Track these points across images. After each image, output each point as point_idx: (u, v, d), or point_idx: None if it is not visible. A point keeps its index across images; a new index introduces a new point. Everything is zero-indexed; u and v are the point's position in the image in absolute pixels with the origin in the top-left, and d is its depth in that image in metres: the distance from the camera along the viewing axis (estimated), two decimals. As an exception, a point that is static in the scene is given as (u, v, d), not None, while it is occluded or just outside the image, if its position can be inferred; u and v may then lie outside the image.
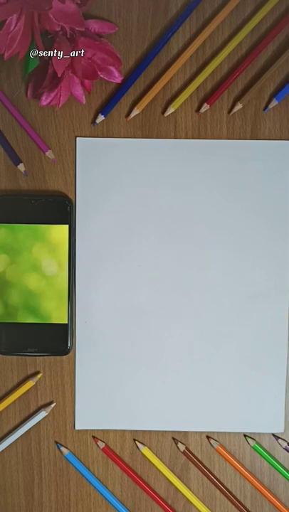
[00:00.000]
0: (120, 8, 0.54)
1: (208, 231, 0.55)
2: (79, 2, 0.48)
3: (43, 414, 0.55)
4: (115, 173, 0.54)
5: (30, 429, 0.55)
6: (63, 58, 0.48)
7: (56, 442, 0.56)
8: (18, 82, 0.54)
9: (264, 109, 0.54)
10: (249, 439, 0.56)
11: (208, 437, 0.56)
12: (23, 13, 0.47)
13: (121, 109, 0.54)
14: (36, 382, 0.55)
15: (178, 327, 0.55)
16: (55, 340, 0.54)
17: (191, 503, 0.56)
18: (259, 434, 0.56)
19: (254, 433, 0.56)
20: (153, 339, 0.55)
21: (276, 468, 0.56)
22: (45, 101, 0.51)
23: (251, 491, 0.56)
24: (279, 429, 0.55)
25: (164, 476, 0.56)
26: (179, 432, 0.56)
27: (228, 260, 0.55)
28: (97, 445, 0.56)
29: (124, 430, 0.56)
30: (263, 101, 0.54)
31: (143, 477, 0.56)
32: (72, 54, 0.49)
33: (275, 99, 0.54)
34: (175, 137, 0.54)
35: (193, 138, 0.54)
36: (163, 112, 0.54)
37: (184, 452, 0.56)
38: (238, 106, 0.54)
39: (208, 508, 0.56)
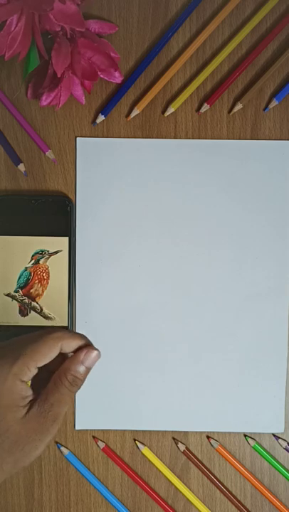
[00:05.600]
0: (120, 8, 0.54)
1: (208, 231, 0.55)
2: (79, 3, 0.48)
3: (43, 414, 0.55)
4: (115, 173, 0.54)
5: (30, 429, 0.55)
6: (63, 59, 0.48)
7: (56, 442, 0.56)
8: (18, 82, 0.54)
9: (264, 109, 0.54)
10: (249, 439, 0.56)
11: (208, 437, 0.56)
12: (24, 13, 0.47)
13: (121, 109, 0.55)
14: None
15: (178, 327, 0.55)
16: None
17: (191, 503, 0.56)
18: (259, 434, 0.56)
19: (254, 433, 0.56)
20: (153, 339, 0.55)
21: (276, 468, 0.56)
22: (45, 101, 0.51)
23: (251, 491, 0.56)
24: (279, 429, 0.55)
25: (164, 476, 0.56)
26: (179, 432, 0.56)
27: (228, 260, 0.55)
28: (97, 445, 0.56)
29: (124, 430, 0.56)
30: (263, 101, 0.54)
31: (143, 477, 0.56)
32: (72, 54, 0.49)
33: (275, 99, 0.54)
34: (175, 137, 0.54)
35: (193, 138, 0.54)
36: (163, 112, 0.54)
37: (184, 452, 0.56)
38: (238, 106, 0.54)
39: (208, 508, 0.56)
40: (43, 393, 0.40)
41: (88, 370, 0.41)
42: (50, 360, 0.39)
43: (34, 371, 0.39)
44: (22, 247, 0.54)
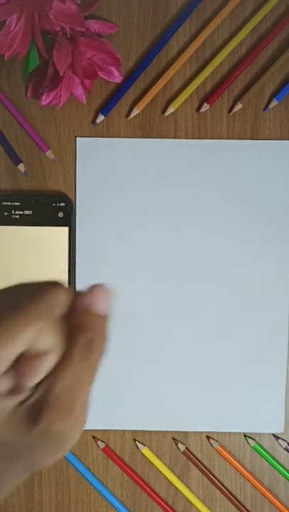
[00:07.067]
0: (120, 8, 0.54)
1: (208, 231, 0.55)
2: (79, 2, 0.48)
3: (43, 414, 0.55)
4: (115, 173, 0.54)
5: (30, 429, 0.55)
6: (65, 58, 0.48)
7: (56, 442, 0.56)
8: (18, 82, 0.54)
9: (264, 109, 0.54)
10: (249, 439, 0.56)
11: (208, 437, 0.56)
12: (24, 13, 0.47)
13: (121, 108, 0.54)
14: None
15: (178, 327, 0.55)
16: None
17: (191, 503, 0.56)
18: (259, 434, 0.56)
19: (254, 433, 0.56)
20: (153, 339, 0.55)
21: (276, 469, 0.56)
22: (45, 101, 0.51)
23: (251, 491, 0.56)
24: (279, 429, 0.55)
25: (164, 476, 0.56)
26: (179, 432, 0.56)
27: (228, 260, 0.55)
28: (97, 445, 0.56)
29: (124, 430, 0.56)
30: (263, 101, 0.54)
31: (143, 477, 0.56)
32: (73, 54, 0.49)
33: (275, 99, 0.54)
34: (175, 137, 0.54)
35: (193, 138, 0.54)
36: (163, 112, 0.54)
37: (184, 452, 0.56)
38: (238, 106, 0.54)
39: (208, 508, 0.56)
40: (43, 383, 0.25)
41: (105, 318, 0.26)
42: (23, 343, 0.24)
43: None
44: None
